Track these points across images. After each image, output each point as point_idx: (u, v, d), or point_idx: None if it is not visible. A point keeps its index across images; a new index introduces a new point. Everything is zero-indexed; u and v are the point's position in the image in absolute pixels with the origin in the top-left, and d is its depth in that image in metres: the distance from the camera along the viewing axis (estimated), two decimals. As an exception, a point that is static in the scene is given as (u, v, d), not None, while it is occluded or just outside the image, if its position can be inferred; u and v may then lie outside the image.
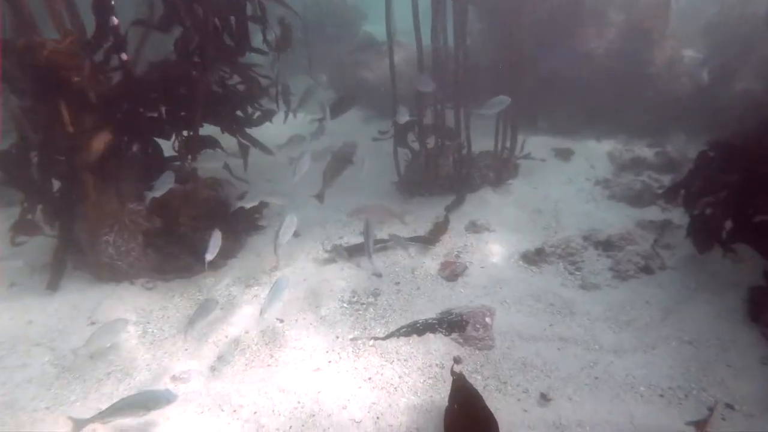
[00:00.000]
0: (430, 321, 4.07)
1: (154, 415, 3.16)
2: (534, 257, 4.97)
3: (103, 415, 2.83)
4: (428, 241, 5.30)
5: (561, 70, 7.23)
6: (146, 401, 2.89)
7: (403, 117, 5.43)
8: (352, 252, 5.06)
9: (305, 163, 4.77)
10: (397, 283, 4.74)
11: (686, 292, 4.36)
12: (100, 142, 4.16)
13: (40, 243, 4.76)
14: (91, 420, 2.84)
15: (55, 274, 4.48)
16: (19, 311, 4.30)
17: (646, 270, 4.63)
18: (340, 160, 5.24)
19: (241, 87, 5.42)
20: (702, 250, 4.44)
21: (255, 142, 5.97)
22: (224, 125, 5.36)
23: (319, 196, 5.29)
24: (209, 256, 4.19)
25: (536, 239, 5.33)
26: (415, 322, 4.10)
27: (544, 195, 6.22)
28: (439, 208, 5.96)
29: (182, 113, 4.82)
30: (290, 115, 6.79)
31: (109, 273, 4.61)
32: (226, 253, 5.01)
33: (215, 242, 4.22)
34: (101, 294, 4.50)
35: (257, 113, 5.73)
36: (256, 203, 5.17)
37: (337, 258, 5.06)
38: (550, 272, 4.84)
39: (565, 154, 7.04)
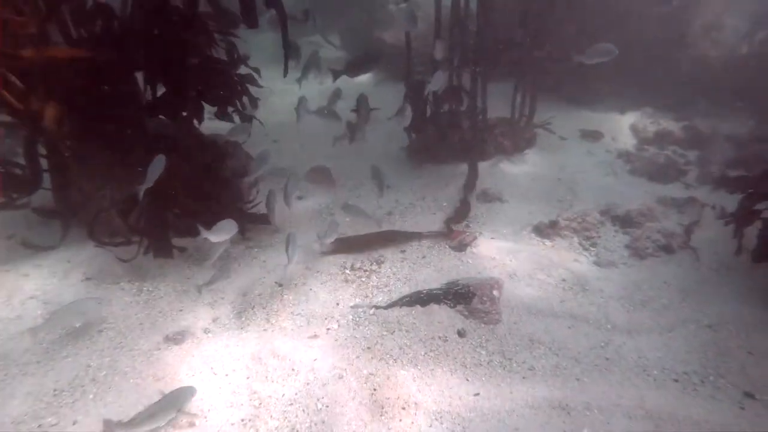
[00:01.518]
0: (434, 291, 3.89)
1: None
2: (547, 230, 4.74)
3: (135, 423, 2.76)
4: (446, 235, 4.69)
5: (589, 32, 6.75)
6: (174, 402, 2.84)
7: (438, 83, 4.91)
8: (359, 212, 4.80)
9: (293, 189, 4.42)
10: (403, 251, 4.55)
11: (708, 273, 4.12)
12: (50, 120, 3.53)
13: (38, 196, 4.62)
14: (124, 426, 2.77)
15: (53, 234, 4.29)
16: (16, 264, 4.19)
17: (666, 249, 4.38)
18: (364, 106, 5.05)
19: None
20: (759, 260, 4.00)
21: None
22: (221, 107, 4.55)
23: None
24: (214, 238, 3.92)
25: (550, 211, 5.08)
26: (419, 292, 3.92)
27: (562, 166, 5.92)
28: (450, 178, 5.70)
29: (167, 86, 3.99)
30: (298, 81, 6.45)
31: (105, 229, 4.46)
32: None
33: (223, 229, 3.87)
34: (96, 250, 4.37)
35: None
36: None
37: (348, 215, 4.85)
38: (563, 246, 4.61)
39: (593, 136, 6.53)
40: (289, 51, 4.06)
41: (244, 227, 4.62)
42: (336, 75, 5.40)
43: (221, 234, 3.73)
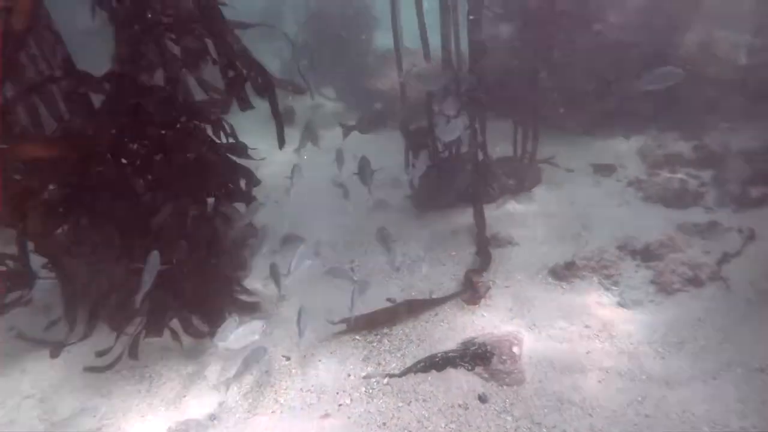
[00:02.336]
0: (450, 354, 3.64)
1: None
2: (564, 272, 4.49)
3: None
4: (470, 300, 4.32)
5: (580, 60, 6.70)
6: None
7: (420, 169, 4.83)
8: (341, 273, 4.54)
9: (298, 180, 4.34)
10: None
11: (745, 306, 3.80)
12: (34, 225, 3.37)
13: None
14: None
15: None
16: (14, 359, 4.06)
17: (694, 281, 4.09)
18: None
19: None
20: None
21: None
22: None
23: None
24: (221, 343, 3.68)
25: (565, 251, 4.84)
26: (434, 356, 3.67)
27: (571, 201, 5.72)
28: (457, 224, 5.53)
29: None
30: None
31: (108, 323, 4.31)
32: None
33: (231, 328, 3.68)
34: (96, 338, 4.22)
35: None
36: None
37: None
38: (583, 288, 4.34)
39: (607, 170, 6.19)
40: (281, 121, 3.98)
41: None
42: (346, 131, 5.37)
43: (240, 340, 3.46)
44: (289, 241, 5.22)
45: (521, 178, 5.89)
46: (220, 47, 3.42)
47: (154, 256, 3.27)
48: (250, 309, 4.52)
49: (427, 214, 5.88)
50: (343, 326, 4.11)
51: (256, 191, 5.57)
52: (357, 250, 5.30)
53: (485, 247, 4.86)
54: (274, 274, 4.61)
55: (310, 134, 5.09)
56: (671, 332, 3.67)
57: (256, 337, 3.55)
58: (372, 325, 4.09)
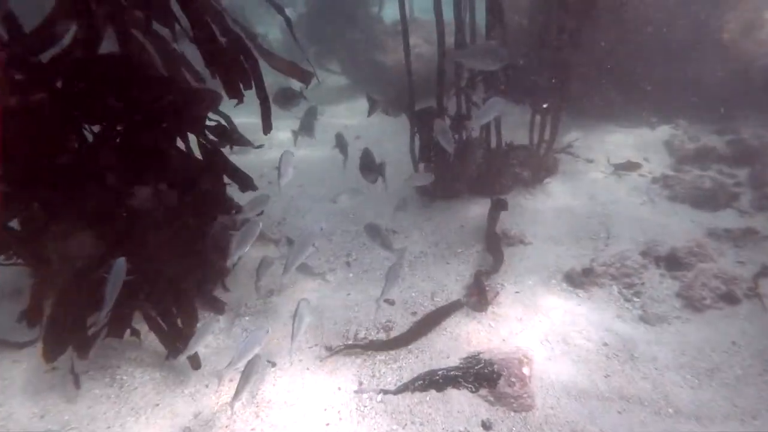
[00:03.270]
0: (452, 372, 3.26)
1: None
2: (581, 278, 4.07)
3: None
4: (476, 306, 3.89)
5: (608, 42, 6.11)
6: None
7: (491, 112, 4.20)
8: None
9: (288, 169, 3.75)
10: (414, 314, 3.94)
11: (786, 329, 3.39)
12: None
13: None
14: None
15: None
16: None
17: (728, 298, 3.67)
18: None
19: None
20: None
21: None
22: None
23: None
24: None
25: (582, 254, 4.41)
26: (434, 372, 3.29)
27: (590, 196, 5.25)
28: (464, 217, 5.09)
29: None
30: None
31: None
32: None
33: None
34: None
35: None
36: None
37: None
38: (601, 298, 3.94)
39: (630, 168, 5.54)
40: (268, 105, 3.49)
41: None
42: (374, 107, 4.84)
43: (244, 354, 2.93)
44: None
45: (536, 168, 5.41)
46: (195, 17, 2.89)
47: (119, 265, 2.86)
48: (217, 308, 4.13)
49: (433, 204, 5.44)
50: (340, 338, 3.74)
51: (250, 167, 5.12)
52: (354, 243, 4.88)
53: (497, 246, 4.43)
54: (262, 267, 4.22)
55: (308, 123, 4.57)
56: (702, 357, 3.27)
57: (259, 348, 3.03)
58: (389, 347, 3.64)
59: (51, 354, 3.30)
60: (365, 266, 4.56)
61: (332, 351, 3.61)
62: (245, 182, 3.97)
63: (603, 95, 6.33)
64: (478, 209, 5.16)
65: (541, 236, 4.73)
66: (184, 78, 3.34)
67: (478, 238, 4.76)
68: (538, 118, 5.24)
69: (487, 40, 4.60)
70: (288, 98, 4.20)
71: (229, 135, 3.86)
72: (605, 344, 3.46)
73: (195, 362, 3.49)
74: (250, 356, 2.91)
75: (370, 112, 4.89)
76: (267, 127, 3.48)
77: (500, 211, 4.71)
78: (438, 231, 4.95)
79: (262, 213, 5.13)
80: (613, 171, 5.54)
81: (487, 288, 4.00)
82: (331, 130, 6.09)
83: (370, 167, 4.15)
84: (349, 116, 8.62)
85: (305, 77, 3.46)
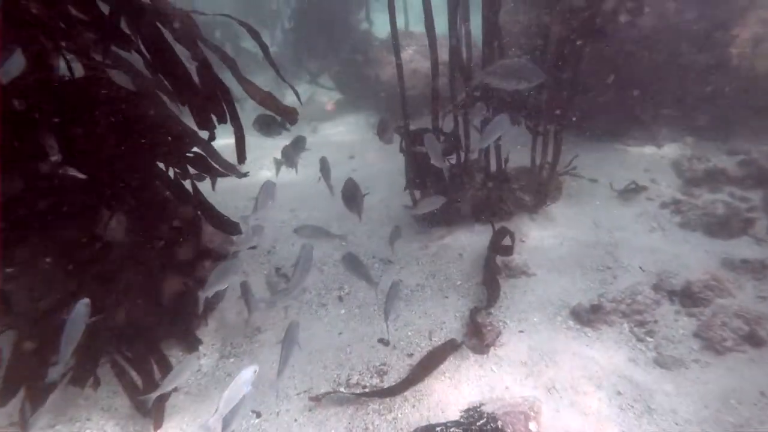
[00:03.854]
0: (452, 429, 2.96)
1: None
2: (588, 315, 3.79)
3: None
4: (477, 348, 3.60)
5: (609, 53, 5.87)
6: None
7: (494, 132, 3.83)
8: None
9: (266, 201, 3.55)
10: (410, 355, 3.66)
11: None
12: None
13: None
14: None
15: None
16: None
17: (753, 340, 3.38)
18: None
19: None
20: None
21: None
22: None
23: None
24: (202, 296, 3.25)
25: (590, 287, 4.14)
26: (432, 428, 3.00)
27: (596, 222, 4.98)
28: (464, 245, 4.82)
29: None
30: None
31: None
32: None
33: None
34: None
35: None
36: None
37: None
38: (611, 338, 3.65)
39: (635, 192, 5.22)
40: (242, 134, 3.25)
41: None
42: (385, 128, 4.57)
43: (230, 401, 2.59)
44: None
45: (539, 192, 5.15)
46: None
47: (81, 307, 2.59)
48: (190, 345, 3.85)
49: (431, 230, 5.17)
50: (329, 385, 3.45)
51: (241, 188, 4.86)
52: (348, 274, 4.60)
53: (494, 280, 4.16)
54: (245, 295, 3.95)
55: (291, 154, 4.33)
56: (727, 410, 2.98)
57: (246, 390, 2.69)
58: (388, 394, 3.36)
59: (3, 398, 3.03)
60: (359, 301, 4.28)
61: (321, 400, 3.33)
62: (224, 225, 3.68)
63: (608, 113, 6.08)
64: (477, 237, 4.89)
65: (545, 266, 4.46)
66: (159, 104, 3.09)
67: (478, 268, 4.48)
68: (540, 138, 4.99)
69: (514, 58, 4.35)
70: (268, 125, 3.96)
71: (208, 165, 3.60)
72: (618, 393, 3.17)
73: (158, 417, 3.19)
74: (236, 401, 2.59)
75: (382, 134, 4.60)
76: (241, 157, 3.23)
77: (502, 242, 4.44)
78: (436, 261, 4.68)
79: (255, 248, 4.89)
80: (618, 195, 5.27)
81: (489, 327, 3.72)
82: (324, 149, 5.88)
83: (352, 198, 3.88)
84: (344, 133, 8.41)
85: (285, 113, 3.20)
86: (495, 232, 4.53)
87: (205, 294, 3.26)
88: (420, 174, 4.99)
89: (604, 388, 3.22)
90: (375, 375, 3.52)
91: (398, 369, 3.55)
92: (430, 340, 3.79)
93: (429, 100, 4.75)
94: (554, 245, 4.71)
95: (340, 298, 4.34)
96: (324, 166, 4.29)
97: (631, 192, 5.16)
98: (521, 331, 3.77)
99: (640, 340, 3.61)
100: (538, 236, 4.84)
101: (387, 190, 6.00)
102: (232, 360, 3.87)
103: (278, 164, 4.50)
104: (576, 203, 5.29)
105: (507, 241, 4.50)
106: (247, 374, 2.62)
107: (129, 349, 3.41)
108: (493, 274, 4.21)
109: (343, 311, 4.20)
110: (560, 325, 3.83)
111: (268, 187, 3.56)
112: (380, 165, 6.65)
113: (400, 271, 4.60)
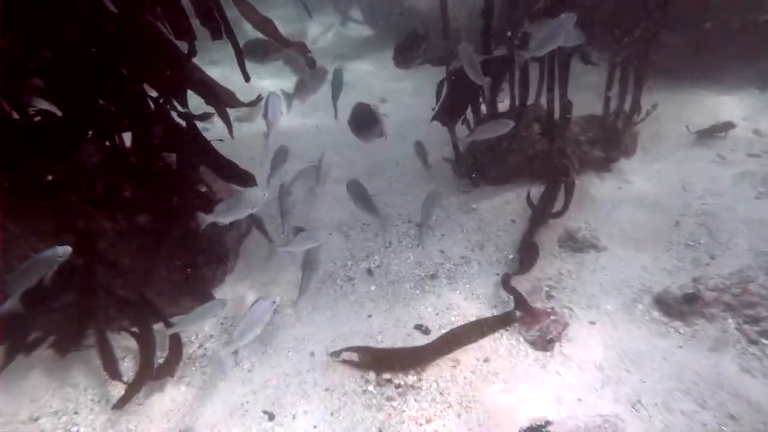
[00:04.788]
0: (511, 459, 2.33)
1: None
2: (680, 306, 3.01)
3: None
4: (538, 343, 2.94)
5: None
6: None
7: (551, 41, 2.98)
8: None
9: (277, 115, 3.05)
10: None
11: None
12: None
13: None
14: None
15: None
16: None
17: None
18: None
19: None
20: None
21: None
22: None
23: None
24: None
25: (678, 267, 3.34)
26: (485, 453, 2.38)
27: (683, 183, 4.07)
28: (515, 206, 4.03)
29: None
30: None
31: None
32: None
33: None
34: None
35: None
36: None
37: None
38: (712, 338, 2.88)
39: (716, 130, 4.39)
40: (240, 51, 2.68)
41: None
42: (417, 41, 3.80)
43: None
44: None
45: (610, 146, 4.23)
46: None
47: (52, 252, 2.08)
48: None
49: (477, 190, 4.37)
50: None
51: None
52: (378, 241, 3.91)
53: (533, 250, 3.42)
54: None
55: (306, 86, 3.58)
56: None
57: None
58: (389, 366, 2.82)
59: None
60: (392, 276, 3.60)
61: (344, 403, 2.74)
62: (234, 175, 3.03)
63: (697, 49, 4.95)
64: (533, 195, 4.08)
65: (618, 239, 3.65)
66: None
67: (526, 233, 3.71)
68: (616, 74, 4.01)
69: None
70: (264, 49, 3.36)
71: (213, 91, 2.90)
72: (732, 417, 2.44)
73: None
74: (254, 334, 2.54)
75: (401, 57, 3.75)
76: (245, 76, 2.86)
77: (554, 199, 3.64)
78: (483, 228, 3.92)
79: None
80: (696, 138, 4.31)
81: (552, 317, 3.00)
82: (353, 92, 5.04)
83: (365, 124, 3.11)
84: (374, 73, 7.45)
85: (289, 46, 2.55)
86: (546, 188, 3.71)
87: (213, 220, 2.75)
88: (456, 105, 4.06)
89: (709, 408, 2.50)
90: (412, 372, 2.90)
91: (439, 366, 2.91)
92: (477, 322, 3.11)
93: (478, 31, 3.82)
94: (629, 212, 3.86)
95: (370, 272, 3.67)
96: (336, 79, 3.59)
97: (713, 131, 4.17)
98: (592, 323, 3.04)
99: (752, 341, 2.83)
100: (609, 199, 3.98)
101: (424, 139, 5.13)
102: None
103: (289, 99, 3.75)
104: (656, 160, 4.35)
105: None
106: (265, 305, 2.51)
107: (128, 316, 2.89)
108: (533, 243, 3.45)
109: (373, 288, 3.54)
110: (642, 316, 3.07)
111: (274, 101, 3.03)
112: (416, 110, 5.76)
113: (441, 240, 3.87)
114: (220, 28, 2.60)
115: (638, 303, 3.15)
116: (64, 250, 2.29)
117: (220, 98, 2.91)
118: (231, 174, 3.09)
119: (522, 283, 3.36)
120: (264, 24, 2.88)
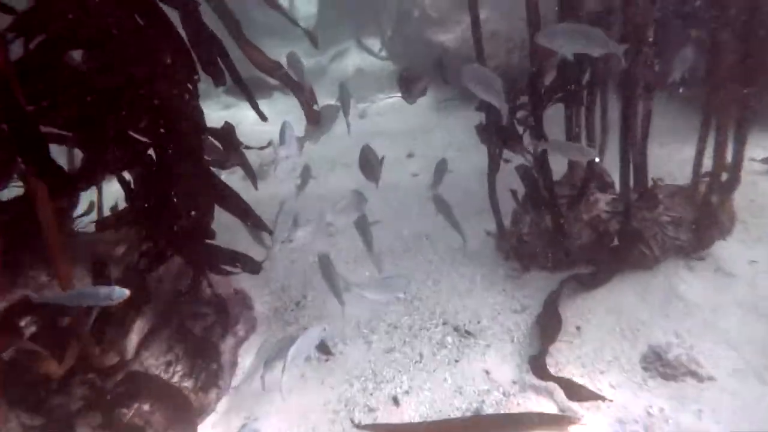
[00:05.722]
0: None
1: None
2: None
3: None
4: None
5: None
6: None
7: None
8: None
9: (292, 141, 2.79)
10: None
11: None
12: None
13: None
14: None
15: None
16: None
17: None
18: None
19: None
20: None
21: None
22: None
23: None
24: None
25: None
26: None
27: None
28: (578, 305, 3.15)
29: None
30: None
31: None
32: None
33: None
34: None
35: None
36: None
37: None
38: None
39: None
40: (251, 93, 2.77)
41: None
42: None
43: None
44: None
45: (701, 225, 3.31)
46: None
47: None
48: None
49: (528, 275, 3.52)
50: None
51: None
52: (405, 350, 3.10)
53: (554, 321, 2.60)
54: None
55: (312, 132, 3.21)
56: None
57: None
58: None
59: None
60: (424, 408, 2.77)
61: None
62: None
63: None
64: (601, 294, 3.21)
65: (727, 362, 2.72)
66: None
67: (607, 355, 2.83)
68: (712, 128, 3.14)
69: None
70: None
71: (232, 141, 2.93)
72: None
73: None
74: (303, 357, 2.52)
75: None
76: (261, 115, 2.94)
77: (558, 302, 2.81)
78: (535, 329, 3.05)
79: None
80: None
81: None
82: (371, 138, 4.21)
83: (370, 165, 2.98)
84: (397, 117, 6.66)
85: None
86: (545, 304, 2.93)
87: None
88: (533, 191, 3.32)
89: None
90: None
91: None
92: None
93: (512, 72, 3.07)
94: (738, 319, 2.92)
95: (396, 400, 2.84)
96: (344, 93, 3.40)
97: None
98: None
99: None
100: (707, 301, 3.05)
101: (464, 205, 4.20)
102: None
103: (301, 141, 3.21)
104: (762, 237, 3.40)
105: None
106: (315, 332, 2.51)
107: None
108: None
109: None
110: (783, 501, 2.14)
111: (288, 129, 2.76)
112: (451, 166, 4.92)
113: (485, 353, 3.02)
114: (224, 76, 2.64)
115: (773, 475, 2.23)
116: (121, 293, 2.06)
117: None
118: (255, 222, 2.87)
119: (599, 425, 2.48)
120: (274, 70, 2.95)
